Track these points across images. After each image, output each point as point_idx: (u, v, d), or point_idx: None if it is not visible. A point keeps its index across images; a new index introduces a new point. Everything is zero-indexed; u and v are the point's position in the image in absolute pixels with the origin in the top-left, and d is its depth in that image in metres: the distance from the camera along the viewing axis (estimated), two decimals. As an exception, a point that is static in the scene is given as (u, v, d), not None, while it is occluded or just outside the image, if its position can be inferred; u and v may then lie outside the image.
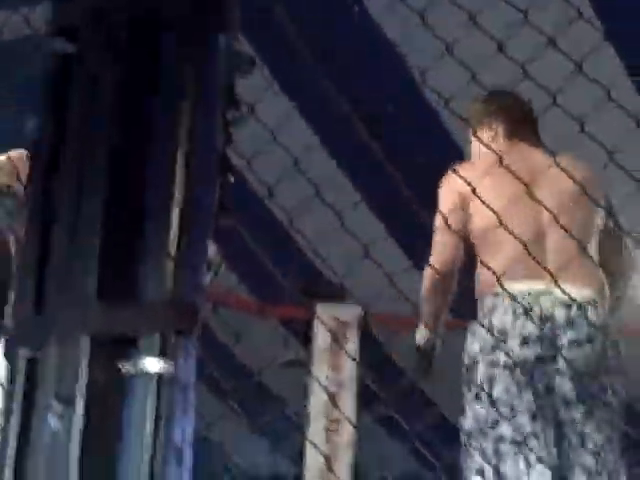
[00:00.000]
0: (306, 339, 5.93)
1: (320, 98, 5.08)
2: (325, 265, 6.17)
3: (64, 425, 1.15)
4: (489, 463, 2.80)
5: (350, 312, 5.85)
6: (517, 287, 2.77)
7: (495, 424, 2.81)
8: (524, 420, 2.79)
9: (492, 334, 2.79)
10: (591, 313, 2.83)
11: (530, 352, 2.78)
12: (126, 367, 1.16)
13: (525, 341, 2.77)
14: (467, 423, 2.88)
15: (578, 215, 2.94)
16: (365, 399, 6.10)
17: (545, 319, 2.77)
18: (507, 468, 2.76)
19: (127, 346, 1.18)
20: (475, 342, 2.89)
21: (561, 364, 2.78)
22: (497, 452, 2.79)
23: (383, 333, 6.11)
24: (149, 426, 1.14)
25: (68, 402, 1.15)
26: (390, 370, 6.72)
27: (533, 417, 2.79)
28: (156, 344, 1.17)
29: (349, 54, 4.79)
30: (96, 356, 1.18)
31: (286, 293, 6.25)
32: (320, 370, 5.91)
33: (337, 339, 5.83)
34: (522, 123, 3.12)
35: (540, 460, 2.76)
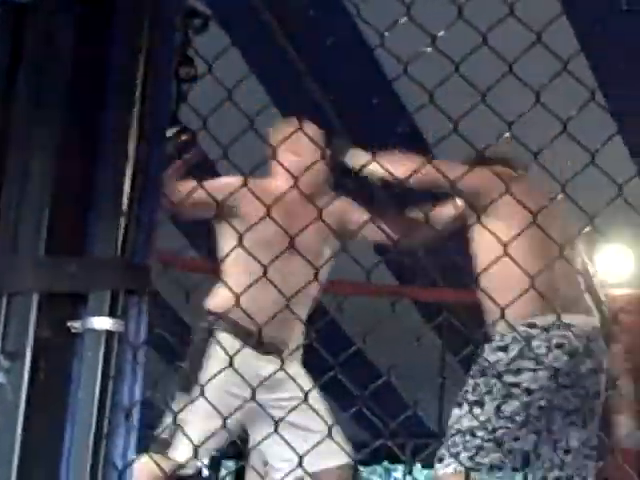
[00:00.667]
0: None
1: (276, 59, 5.05)
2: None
3: (10, 380, 1.14)
4: (466, 452, 2.96)
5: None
6: (549, 319, 2.92)
7: (493, 431, 2.95)
8: (522, 434, 2.97)
9: (529, 358, 2.93)
10: (601, 342, 3.05)
11: (553, 383, 2.95)
12: (75, 325, 1.16)
13: (556, 374, 2.93)
14: (461, 419, 3.00)
15: (575, 249, 3.18)
16: (310, 365, 6.13)
17: (572, 352, 2.96)
18: (486, 460, 2.95)
19: (77, 304, 1.17)
20: (500, 357, 3.00)
21: (576, 390, 2.99)
22: (481, 448, 2.95)
23: (329, 298, 6.12)
24: (97, 384, 1.14)
25: (14, 357, 1.14)
26: (336, 336, 6.74)
27: (525, 427, 2.96)
28: (106, 302, 1.16)
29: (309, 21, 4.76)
30: (44, 312, 1.17)
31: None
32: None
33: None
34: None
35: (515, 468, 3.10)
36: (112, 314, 1.16)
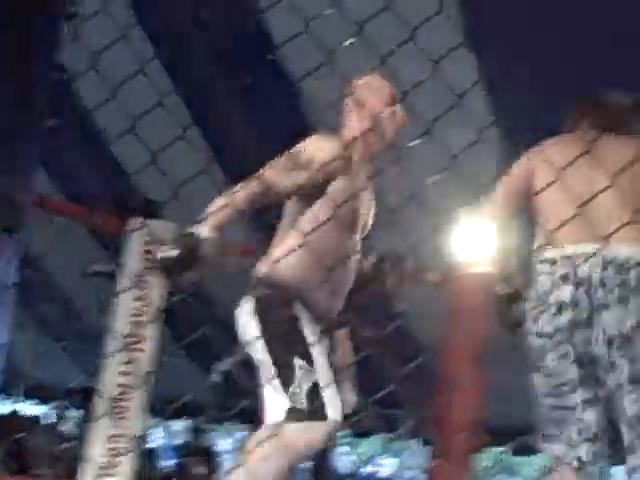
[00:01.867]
0: (117, 253, 5.83)
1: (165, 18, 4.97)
2: (147, 182, 6.08)
3: None
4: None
5: (165, 229, 5.79)
6: (559, 252, 2.65)
7: (545, 394, 2.73)
8: (567, 390, 2.68)
9: (534, 305, 2.70)
10: (634, 273, 2.62)
11: (564, 318, 2.63)
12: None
13: (560, 308, 2.62)
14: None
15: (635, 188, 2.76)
16: (171, 319, 6.10)
17: (580, 282, 2.62)
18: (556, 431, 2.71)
19: (-54, 239, 1.12)
20: (525, 312, 2.74)
21: (595, 330, 2.62)
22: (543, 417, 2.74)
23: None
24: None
25: None
26: (200, 291, 6.72)
27: (573, 389, 2.68)
28: (-24, 240, 1.12)
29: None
30: None
31: (101, 204, 6.12)
32: (128, 285, 5.84)
33: (148, 256, 5.76)
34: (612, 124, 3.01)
35: (580, 432, 2.70)
36: (-18, 252, 1.11)
